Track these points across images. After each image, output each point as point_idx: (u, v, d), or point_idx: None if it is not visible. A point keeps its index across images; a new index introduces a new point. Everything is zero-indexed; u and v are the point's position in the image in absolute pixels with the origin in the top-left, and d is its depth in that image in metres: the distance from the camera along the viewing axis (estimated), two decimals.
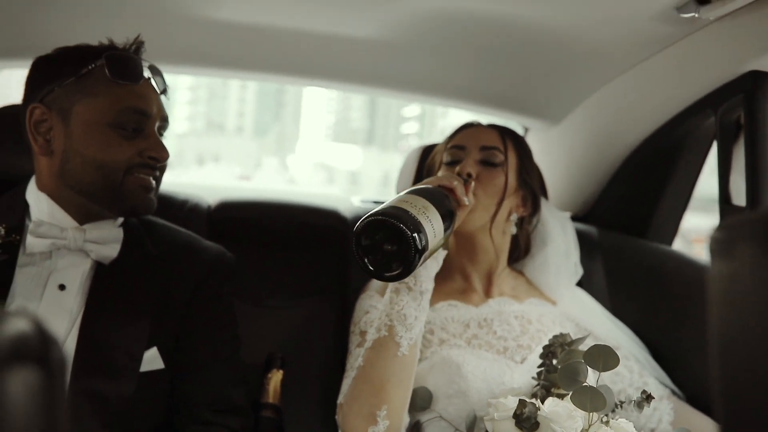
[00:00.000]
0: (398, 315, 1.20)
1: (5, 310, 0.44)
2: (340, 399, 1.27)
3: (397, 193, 1.24)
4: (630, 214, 1.96)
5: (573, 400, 1.07)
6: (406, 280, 1.21)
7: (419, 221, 1.05)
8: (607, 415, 1.09)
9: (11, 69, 1.94)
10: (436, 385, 1.30)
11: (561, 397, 1.13)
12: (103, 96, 1.25)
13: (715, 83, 1.46)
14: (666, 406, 1.41)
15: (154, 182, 1.30)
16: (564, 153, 2.05)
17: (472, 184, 1.32)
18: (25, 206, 1.29)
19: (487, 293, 1.49)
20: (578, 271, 1.64)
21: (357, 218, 1.09)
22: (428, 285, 1.23)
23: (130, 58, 1.29)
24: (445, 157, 1.50)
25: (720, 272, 0.53)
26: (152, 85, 1.32)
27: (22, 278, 1.22)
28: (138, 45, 1.32)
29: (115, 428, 1.19)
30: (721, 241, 0.54)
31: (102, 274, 1.27)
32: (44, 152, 1.27)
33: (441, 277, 1.43)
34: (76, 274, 1.25)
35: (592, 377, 1.11)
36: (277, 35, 1.68)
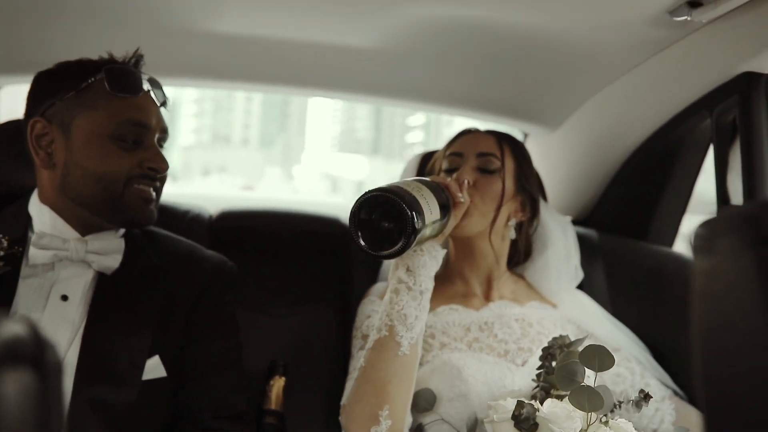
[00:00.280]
0: (398, 315, 1.21)
1: (2, 316, 0.45)
2: (343, 400, 1.27)
3: None
4: (630, 217, 1.96)
5: (571, 400, 1.07)
6: (406, 279, 1.22)
7: (417, 201, 1.09)
8: (606, 416, 1.09)
9: (14, 84, 1.96)
10: (438, 388, 1.31)
11: (560, 398, 1.14)
12: (103, 109, 1.26)
13: (710, 85, 1.46)
14: (668, 406, 1.41)
15: (154, 194, 1.31)
16: (563, 157, 2.06)
17: (465, 182, 1.33)
18: (28, 218, 1.31)
19: (487, 297, 1.50)
20: (579, 275, 1.64)
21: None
22: (428, 284, 1.24)
23: (129, 71, 1.30)
24: (444, 165, 1.51)
25: (702, 267, 0.54)
26: (152, 98, 1.34)
27: (25, 289, 1.24)
28: (137, 58, 1.34)
29: None
30: (702, 237, 0.55)
31: (104, 285, 1.28)
32: (46, 165, 1.29)
33: (441, 282, 1.44)
34: (79, 285, 1.27)
35: (591, 378, 1.11)
36: (281, 47, 1.69)
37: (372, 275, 1.73)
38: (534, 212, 1.55)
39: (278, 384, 1.49)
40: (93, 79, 1.28)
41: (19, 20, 1.57)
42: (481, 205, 1.42)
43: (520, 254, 1.59)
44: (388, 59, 1.74)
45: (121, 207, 1.27)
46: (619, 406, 1.12)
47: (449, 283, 1.51)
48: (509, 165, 1.49)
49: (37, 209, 1.31)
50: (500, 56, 1.67)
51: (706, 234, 0.54)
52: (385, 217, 1.09)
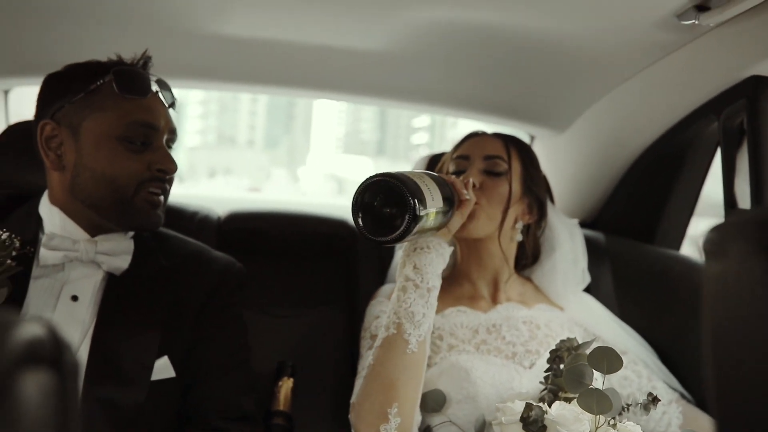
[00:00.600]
0: (406, 312, 1.21)
1: (20, 316, 0.45)
2: (353, 399, 1.27)
3: None
4: (637, 220, 1.96)
5: (579, 402, 1.07)
6: (413, 277, 1.22)
7: (420, 189, 1.09)
8: (614, 418, 1.09)
9: (23, 87, 1.98)
10: (446, 390, 1.31)
11: (568, 401, 1.14)
12: (111, 110, 1.27)
13: (717, 89, 1.47)
14: (675, 409, 1.41)
15: (162, 198, 1.32)
16: (570, 160, 2.06)
17: (471, 181, 1.33)
18: (39, 220, 1.32)
19: (495, 299, 1.50)
20: (586, 278, 1.64)
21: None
22: (435, 282, 1.24)
23: (137, 73, 1.31)
24: (451, 167, 1.51)
25: (713, 271, 0.55)
26: (160, 99, 1.35)
27: (36, 290, 1.25)
28: (146, 60, 1.35)
29: None
30: (714, 242, 0.55)
31: (113, 285, 1.29)
32: (55, 167, 1.29)
33: (448, 283, 1.44)
34: (88, 286, 1.28)
35: (599, 381, 1.11)
36: (286, 49, 1.70)
37: (378, 277, 1.74)
38: (541, 215, 1.56)
39: (287, 385, 1.49)
40: (102, 81, 1.29)
41: (28, 23, 1.58)
42: (488, 207, 1.42)
43: (528, 257, 1.59)
44: (395, 61, 1.74)
45: (130, 211, 1.28)
46: (627, 409, 1.12)
47: (456, 284, 1.51)
48: (516, 168, 1.49)
49: (48, 210, 1.31)
50: (507, 58, 1.67)
51: (718, 238, 0.54)
52: (387, 203, 1.08)
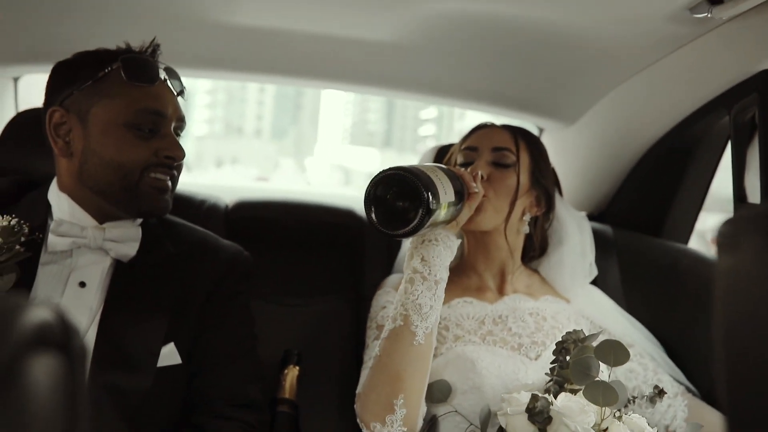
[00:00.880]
0: (413, 304, 1.21)
1: (29, 301, 0.45)
2: (359, 389, 1.28)
3: None
4: (645, 213, 1.96)
5: (585, 394, 1.07)
6: (421, 269, 1.22)
7: (433, 182, 1.09)
8: (619, 410, 1.09)
9: (33, 74, 1.98)
10: (452, 381, 1.31)
11: (574, 392, 1.14)
12: (120, 98, 1.27)
13: (728, 83, 1.46)
14: (680, 402, 1.40)
15: (170, 183, 1.32)
16: (579, 153, 2.05)
17: (479, 174, 1.33)
18: (48, 206, 1.32)
19: (501, 291, 1.50)
20: (593, 271, 1.64)
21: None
22: (443, 274, 1.24)
23: (145, 61, 1.31)
24: (459, 159, 1.51)
25: (726, 265, 0.54)
26: (168, 87, 1.34)
27: (44, 276, 1.25)
28: (154, 48, 1.35)
29: (133, 422, 1.21)
30: (727, 235, 0.55)
31: (121, 272, 1.29)
32: (64, 154, 1.30)
33: (455, 275, 1.44)
34: (96, 272, 1.28)
35: (605, 373, 1.11)
36: (295, 38, 1.70)
37: (385, 266, 1.74)
38: (549, 207, 1.55)
39: (292, 373, 1.50)
40: (110, 68, 1.29)
41: (38, 11, 1.58)
42: (495, 199, 1.42)
43: (536, 249, 1.58)
44: (404, 52, 1.74)
45: (137, 196, 1.28)
46: (633, 402, 1.12)
47: (463, 275, 1.51)
48: (524, 160, 1.48)
49: (56, 197, 1.32)
50: (517, 50, 1.66)
51: (730, 232, 0.54)
52: (400, 196, 1.09)
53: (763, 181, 1.35)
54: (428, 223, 1.08)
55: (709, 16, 1.27)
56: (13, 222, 1.16)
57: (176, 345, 1.29)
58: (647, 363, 1.45)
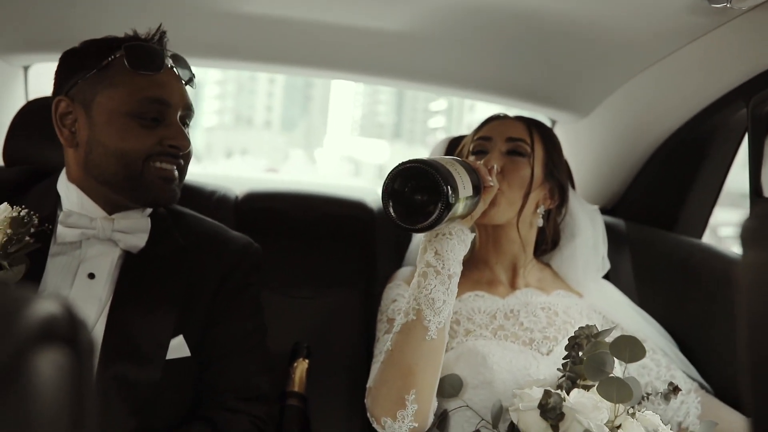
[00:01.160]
0: (426, 299, 1.20)
1: (37, 293, 0.44)
2: (369, 383, 1.27)
3: None
4: (658, 207, 1.94)
5: (599, 391, 1.06)
6: (434, 263, 1.20)
7: (452, 176, 1.07)
8: (633, 407, 1.08)
9: (43, 63, 1.97)
10: (463, 375, 1.30)
11: (587, 388, 1.13)
12: (123, 86, 1.26)
13: (746, 75, 1.43)
14: (693, 399, 1.39)
15: (176, 172, 1.31)
16: (592, 145, 2.03)
17: (494, 166, 1.31)
18: (57, 197, 1.31)
19: (513, 285, 1.48)
20: (605, 265, 1.62)
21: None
22: (456, 268, 1.22)
23: (148, 48, 1.29)
24: (471, 148, 1.49)
25: (751, 261, 0.53)
26: (175, 75, 1.32)
27: (54, 267, 1.25)
28: (161, 35, 1.33)
29: (142, 414, 1.20)
30: (752, 230, 0.53)
31: (130, 263, 1.29)
32: (70, 144, 1.29)
33: (467, 268, 1.42)
34: (105, 263, 1.27)
35: (618, 369, 1.10)
36: (305, 28, 1.68)
37: (396, 259, 1.73)
38: (562, 200, 1.53)
39: (302, 366, 1.49)
40: (113, 56, 1.27)
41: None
42: (509, 192, 1.40)
43: (548, 242, 1.57)
44: (415, 43, 1.72)
45: (142, 185, 1.26)
46: (647, 398, 1.11)
47: (475, 269, 1.50)
48: (539, 151, 1.47)
49: (65, 188, 1.31)
50: (530, 41, 1.64)
51: (756, 226, 0.52)
52: (418, 190, 1.07)
53: None
54: (447, 218, 1.06)
55: (728, 6, 1.24)
56: (22, 213, 1.15)
57: (185, 337, 1.28)
58: (660, 359, 1.43)
